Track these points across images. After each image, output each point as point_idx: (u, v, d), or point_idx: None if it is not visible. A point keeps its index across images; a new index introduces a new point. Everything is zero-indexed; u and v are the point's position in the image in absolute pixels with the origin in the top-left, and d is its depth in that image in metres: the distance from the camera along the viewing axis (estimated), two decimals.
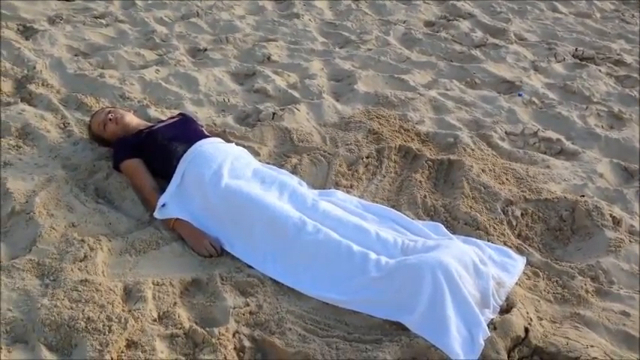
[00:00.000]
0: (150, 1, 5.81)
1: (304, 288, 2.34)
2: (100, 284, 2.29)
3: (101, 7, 5.57)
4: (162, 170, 2.87)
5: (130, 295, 2.30)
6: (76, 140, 3.29)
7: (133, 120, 3.20)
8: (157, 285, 2.33)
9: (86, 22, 5.15)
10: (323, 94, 4.03)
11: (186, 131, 3.05)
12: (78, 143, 3.28)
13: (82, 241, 2.52)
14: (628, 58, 4.87)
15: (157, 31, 5.03)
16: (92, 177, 2.99)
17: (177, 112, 3.59)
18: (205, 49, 4.75)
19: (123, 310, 2.19)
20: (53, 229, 2.59)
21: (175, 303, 2.27)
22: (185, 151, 2.83)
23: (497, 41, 5.15)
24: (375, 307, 2.23)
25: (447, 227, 2.68)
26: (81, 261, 2.43)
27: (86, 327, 2.09)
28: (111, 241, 2.57)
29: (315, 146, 3.39)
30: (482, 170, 3.15)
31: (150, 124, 3.22)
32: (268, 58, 4.64)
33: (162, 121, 3.28)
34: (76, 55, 4.51)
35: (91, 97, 3.78)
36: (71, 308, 2.17)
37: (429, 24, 5.64)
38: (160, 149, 2.91)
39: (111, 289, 2.28)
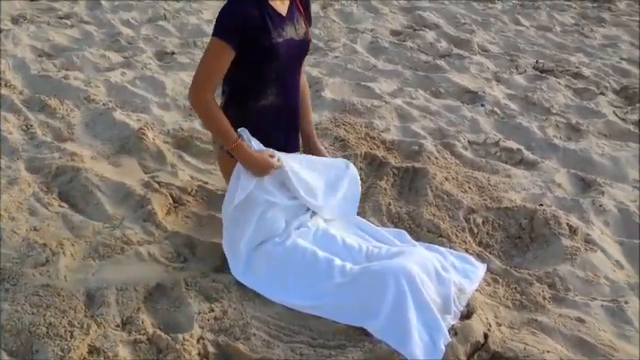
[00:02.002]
0: (116, 3, 5.76)
1: (269, 293, 2.35)
2: (61, 289, 2.27)
3: (66, 7, 5.49)
4: (240, 90, 2.44)
5: (93, 300, 2.28)
6: (39, 142, 3.24)
7: None
8: (121, 290, 2.32)
9: (50, 22, 5.07)
10: None
11: (292, 75, 2.58)
12: (41, 145, 3.23)
13: (44, 245, 2.49)
14: (586, 71, 5.01)
15: (123, 34, 4.98)
16: (55, 180, 2.95)
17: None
18: (173, 53, 4.73)
19: (85, 316, 2.18)
20: (14, 232, 2.55)
21: (139, 308, 2.26)
22: (273, 102, 2.52)
23: (461, 52, 5.25)
24: (339, 313, 2.26)
25: (410, 234, 2.72)
26: (42, 265, 2.40)
27: (47, 332, 2.07)
28: (74, 246, 2.54)
29: None
30: (446, 178, 3.21)
31: (283, 12, 2.45)
32: None
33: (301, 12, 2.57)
34: (39, 56, 4.44)
35: (55, 99, 3.72)
36: (32, 313, 2.14)
37: (395, 33, 5.72)
38: (259, 72, 2.43)
39: (73, 294, 2.26)
